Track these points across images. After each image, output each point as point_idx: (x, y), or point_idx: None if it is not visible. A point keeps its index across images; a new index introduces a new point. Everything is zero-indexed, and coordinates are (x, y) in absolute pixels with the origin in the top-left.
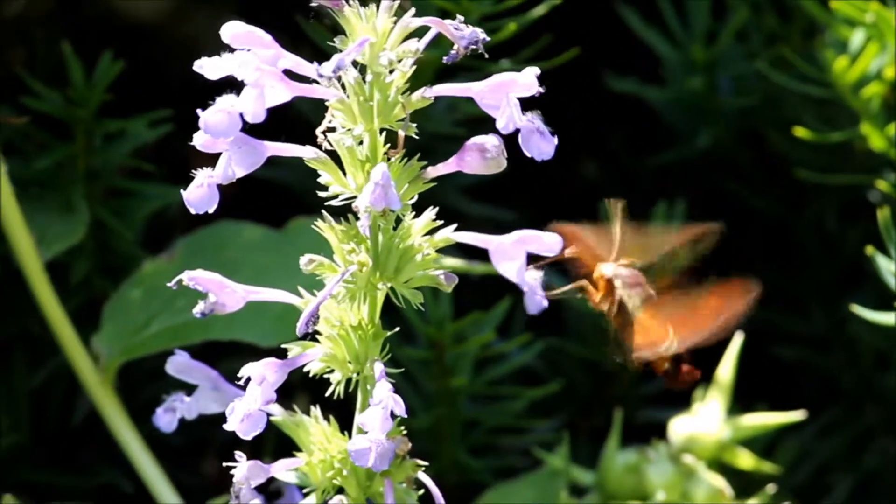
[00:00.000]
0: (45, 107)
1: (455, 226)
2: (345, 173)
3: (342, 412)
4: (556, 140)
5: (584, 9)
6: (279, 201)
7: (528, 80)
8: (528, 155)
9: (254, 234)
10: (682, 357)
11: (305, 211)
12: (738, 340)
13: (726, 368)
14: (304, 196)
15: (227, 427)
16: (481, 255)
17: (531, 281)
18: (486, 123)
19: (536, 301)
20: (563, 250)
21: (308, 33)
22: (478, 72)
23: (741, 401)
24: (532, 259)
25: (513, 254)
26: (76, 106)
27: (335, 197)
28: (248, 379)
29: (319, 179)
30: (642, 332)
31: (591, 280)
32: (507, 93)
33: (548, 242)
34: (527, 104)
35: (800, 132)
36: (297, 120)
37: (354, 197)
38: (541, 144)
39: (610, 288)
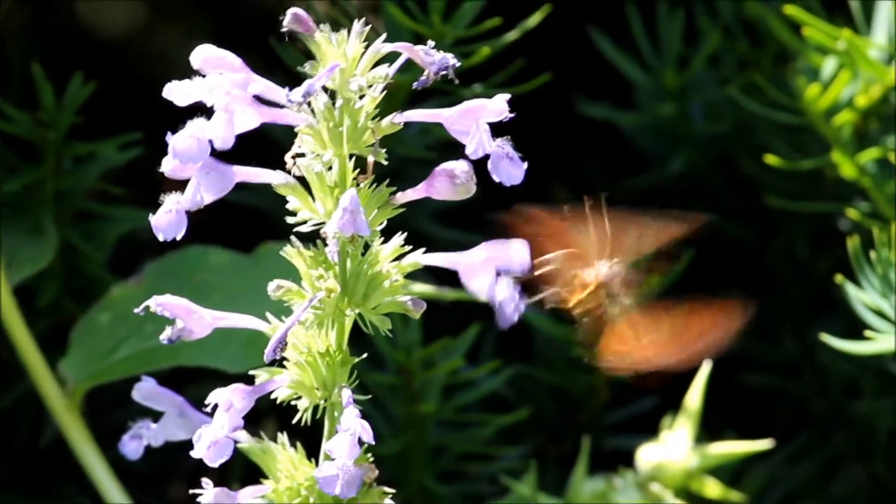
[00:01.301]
0: (14, 129)
1: (423, 249)
2: (314, 199)
3: (310, 439)
4: (525, 165)
5: (557, 34)
6: (249, 225)
7: (498, 107)
8: (497, 180)
9: (223, 258)
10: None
11: (276, 235)
12: (706, 368)
13: (694, 396)
14: (274, 220)
15: (194, 454)
16: (452, 280)
17: (501, 296)
18: (457, 148)
19: (507, 316)
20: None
21: (281, 56)
22: (450, 96)
23: (709, 428)
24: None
25: (482, 270)
26: (46, 128)
27: (304, 222)
28: (216, 405)
29: (288, 205)
30: (618, 338)
31: (570, 277)
32: (477, 119)
33: (517, 256)
34: (498, 129)
35: (771, 159)
36: (267, 143)
37: (323, 223)
38: (510, 170)
39: (598, 289)
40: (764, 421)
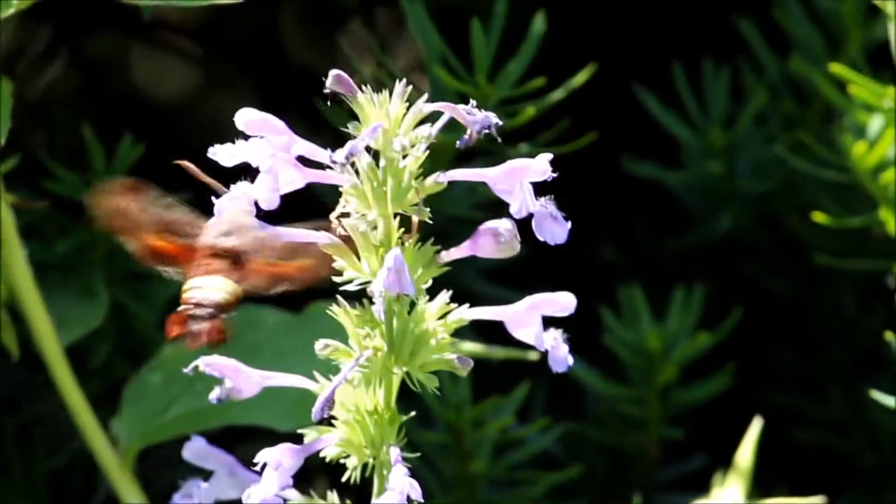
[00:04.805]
0: (64, 190)
1: (467, 305)
2: (359, 258)
3: (362, 495)
4: (568, 225)
5: (603, 93)
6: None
7: (541, 167)
8: (541, 239)
9: (273, 318)
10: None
11: (324, 294)
12: (757, 425)
13: (746, 452)
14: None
15: None
16: (502, 338)
17: (551, 342)
18: (504, 206)
19: (560, 360)
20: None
21: (327, 117)
22: (495, 155)
23: (760, 485)
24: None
25: (527, 321)
26: None
27: (350, 282)
28: (265, 464)
29: (334, 264)
30: None
31: None
32: (520, 178)
33: (562, 303)
34: (543, 188)
35: (818, 217)
36: (312, 201)
37: (369, 281)
38: (554, 229)
39: None
40: (814, 478)
